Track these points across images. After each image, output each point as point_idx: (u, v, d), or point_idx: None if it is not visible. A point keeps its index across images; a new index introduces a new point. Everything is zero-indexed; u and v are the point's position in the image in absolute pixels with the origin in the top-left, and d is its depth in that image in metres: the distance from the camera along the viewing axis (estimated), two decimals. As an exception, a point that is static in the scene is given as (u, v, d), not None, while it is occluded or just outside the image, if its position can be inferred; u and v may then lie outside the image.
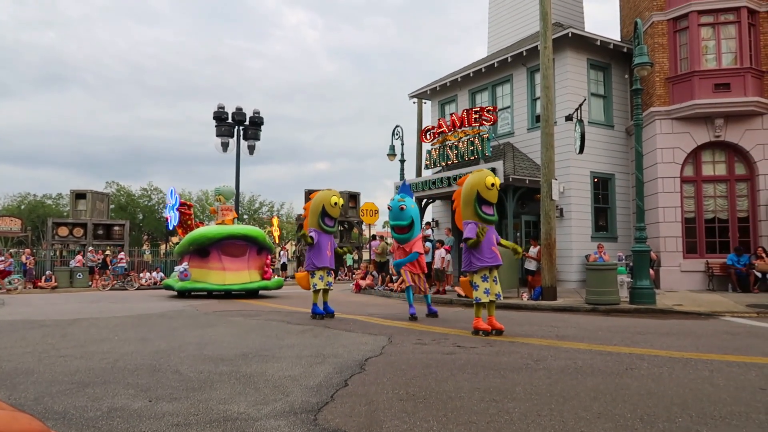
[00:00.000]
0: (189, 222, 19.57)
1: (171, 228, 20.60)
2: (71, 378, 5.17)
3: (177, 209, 19.21)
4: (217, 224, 18.01)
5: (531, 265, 14.90)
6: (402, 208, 10.06)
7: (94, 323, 9.78)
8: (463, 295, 14.58)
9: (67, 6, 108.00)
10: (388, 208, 10.32)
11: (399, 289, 17.28)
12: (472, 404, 4.19)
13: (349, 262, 31.07)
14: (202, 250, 16.68)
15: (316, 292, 10.33)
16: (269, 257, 18.15)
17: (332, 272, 10.61)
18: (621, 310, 11.67)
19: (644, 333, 8.26)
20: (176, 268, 18.11)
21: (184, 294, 16.97)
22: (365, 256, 34.71)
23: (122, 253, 25.89)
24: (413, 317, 10.10)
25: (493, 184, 7.98)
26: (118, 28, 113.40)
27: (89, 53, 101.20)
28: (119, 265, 24.47)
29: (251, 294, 16.85)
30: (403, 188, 11.07)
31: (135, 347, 6.95)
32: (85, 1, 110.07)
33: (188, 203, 20.21)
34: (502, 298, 8.83)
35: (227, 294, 16.62)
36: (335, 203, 10.18)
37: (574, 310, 11.96)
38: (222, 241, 16.50)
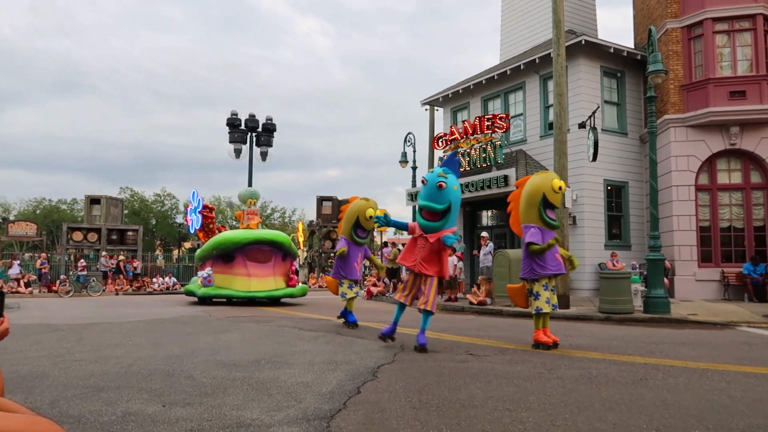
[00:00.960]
0: (211, 226, 19.01)
1: (192, 231, 19.89)
2: (86, 382, 5.21)
3: (199, 212, 18.66)
4: (242, 228, 17.50)
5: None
6: (441, 186, 7.09)
7: (108, 328, 9.85)
8: (475, 303, 14.54)
9: (81, 14, 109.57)
10: (423, 182, 7.35)
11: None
12: (485, 413, 4.17)
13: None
14: (227, 255, 16.09)
15: (349, 299, 9.81)
16: (294, 264, 17.67)
17: (358, 282, 10.20)
18: (635, 319, 11.56)
19: (659, 343, 8.17)
20: (198, 273, 17.35)
21: (205, 300, 16.27)
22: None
23: (82, 260, 25.48)
24: (385, 338, 7.63)
25: (560, 188, 7.37)
26: (131, 36, 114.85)
27: (103, 60, 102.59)
28: (80, 273, 24.01)
29: (274, 301, 16.19)
30: (450, 162, 7.79)
31: (148, 352, 7.00)
32: (100, 10, 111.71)
33: (210, 206, 19.52)
34: (558, 309, 8.31)
35: (251, 301, 15.88)
36: (370, 216, 9.40)
37: (587, 319, 11.86)
38: (248, 246, 15.80)
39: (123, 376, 5.47)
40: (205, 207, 18.94)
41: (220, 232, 18.08)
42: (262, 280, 15.90)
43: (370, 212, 9.40)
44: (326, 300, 18.10)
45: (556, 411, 4.23)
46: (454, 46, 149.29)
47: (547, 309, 7.46)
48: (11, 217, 49.26)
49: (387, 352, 6.97)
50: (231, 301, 16.14)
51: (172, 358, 6.56)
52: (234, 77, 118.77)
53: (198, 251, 18.38)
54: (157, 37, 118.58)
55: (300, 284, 17.31)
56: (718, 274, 16.66)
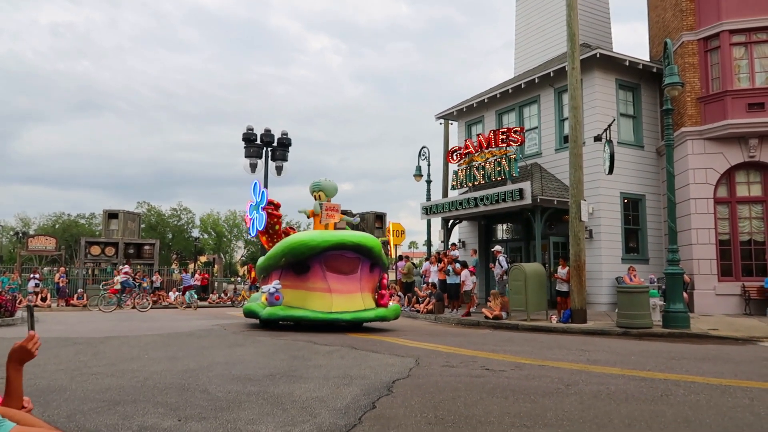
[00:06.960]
0: (277, 227, 14.70)
1: (253, 234, 15.34)
2: (102, 396, 5.23)
3: (263, 209, 14.25)
4: (316, 228, 13.68)
5: (562, 287, 14.65)
6: None
7: (125, 342, 9.92)
8: (490, 317, 14.38)
9: (100, 36, 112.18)
10: None
11: (425, 310, 17.13)
12: (502, 429, 4.11)
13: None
14: (300, 264, 12.18)
15: None
16: (385, 276, 13.69)
17: None
18: (654, 334, 11.39)
19: (679, 358, 8.03)
20: (262, 287, 13.65)
21: (269, 323, 12.72)
22: (391, 276, 34.59)
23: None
24: None
25: None
26: (149, 57, 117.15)
27: (121, 80, 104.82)
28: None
29: (356, 326, 12.29)
30: None
31: (164, 366, 7.02)
32: (118, 32, 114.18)
33: (276, 202, 14.80)
34: None
35: (330, 326, 11.94)
36: None
37: (605, 334, 11.70)
38: (328, 252, 11.89)
39: (139, 390, 5.48)
40: (270, 203, 14.50)
41: (287, 236, 13.66)
42: (348, 298, 12.05)
43: None
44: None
45: (575, 427, 4.16)
46: (465, 62, 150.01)
47: None
48: (31, 232, 50.03)
49: (402, 368, 6.92)
50: (300, 324, 12.39)
51: (188, 372, 6.57)
52: (248, 95, 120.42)
53: (261, 259, 14.22)
54: (173, 58, 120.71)
55: (392, 303, 13.30)
56: (738, 289, 16.36)
